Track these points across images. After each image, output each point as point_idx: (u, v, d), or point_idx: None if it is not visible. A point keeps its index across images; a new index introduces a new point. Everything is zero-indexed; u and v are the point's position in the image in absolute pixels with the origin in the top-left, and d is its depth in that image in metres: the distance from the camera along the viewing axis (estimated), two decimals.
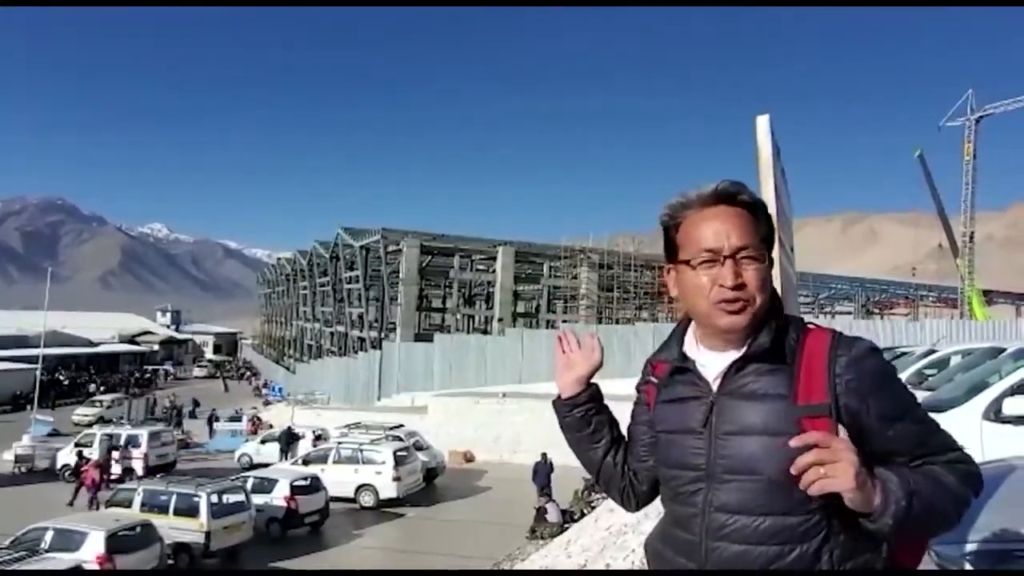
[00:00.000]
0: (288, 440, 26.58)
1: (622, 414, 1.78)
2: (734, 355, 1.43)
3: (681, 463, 1.46)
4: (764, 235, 1.45)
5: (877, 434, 1.36)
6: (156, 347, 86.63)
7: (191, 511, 15.76)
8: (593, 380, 1.73)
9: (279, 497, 17.88)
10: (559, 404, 1.73)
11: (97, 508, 18.72)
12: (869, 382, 1.37)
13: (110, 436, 25.58)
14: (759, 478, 1.35)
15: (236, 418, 35.82)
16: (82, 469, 21.70)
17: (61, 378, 56.71)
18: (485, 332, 48.23)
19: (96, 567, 13.12)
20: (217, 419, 35.69)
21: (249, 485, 17.99)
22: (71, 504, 20.21)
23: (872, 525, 1.27)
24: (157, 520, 15.29)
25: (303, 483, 18.58)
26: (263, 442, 27.76)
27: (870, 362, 1.39)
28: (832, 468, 1.22)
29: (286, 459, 24.71)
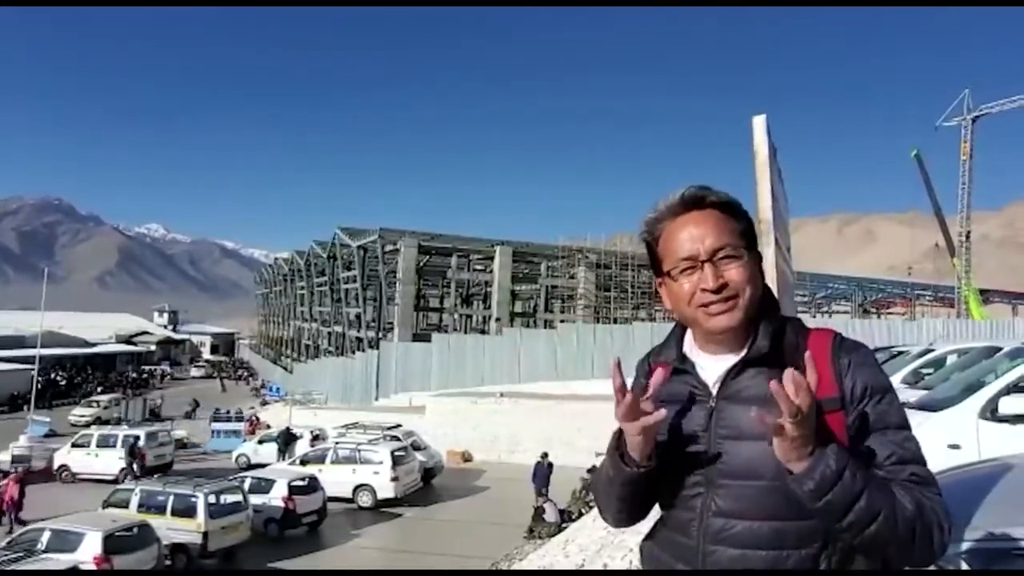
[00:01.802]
0: (286, 440, 26.57)
1: None
2: (733, 359, 1.42)
3: (679, 467, 1.45)
4: (743, 230, 1.44)
5: (858, 438, 1.34)
6: (153, 347, 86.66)
7: (188, 511, 15.77)
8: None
9: (277, 497, 17.88)
10: (633, 470, 1.42)
11: (12, 530, 16.99)
12: (868, 387, 1.36)
13: (136, 437, 25.86)
14: (759, 483, 1.34)
15: (240, 418, 35.77)
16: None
17: (58, 378, 56.62)
18: (483, 332, 48.28)
19: (93, 567, 13.12)
20: (220, 419, 35.54)
21: (247, 485, 17.99)
22: None
23: (794, 486, 1.25)
24: (154, 520, 15.30)
25: (301, 483, 18.57)
26: (260, 442, 27.74)
27: (872, 370, 1.38)
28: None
29: (284, 459, 24.71)
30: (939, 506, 1.29)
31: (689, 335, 1.51)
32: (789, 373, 1.22)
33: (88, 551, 13.32)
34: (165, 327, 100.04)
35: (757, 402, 1.36)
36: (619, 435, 1.43)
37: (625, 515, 1.55)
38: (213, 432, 33.38)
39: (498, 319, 45.29)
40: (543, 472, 19.23)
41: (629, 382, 1.65)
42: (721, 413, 1.41)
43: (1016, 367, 5.83)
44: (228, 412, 37.08)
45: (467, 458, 26.90)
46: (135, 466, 24.31)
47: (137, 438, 25.65)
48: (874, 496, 1.23)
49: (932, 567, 2.45)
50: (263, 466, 23.47)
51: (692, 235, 1.41)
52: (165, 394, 51.03)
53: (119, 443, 25.18)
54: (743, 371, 1.41)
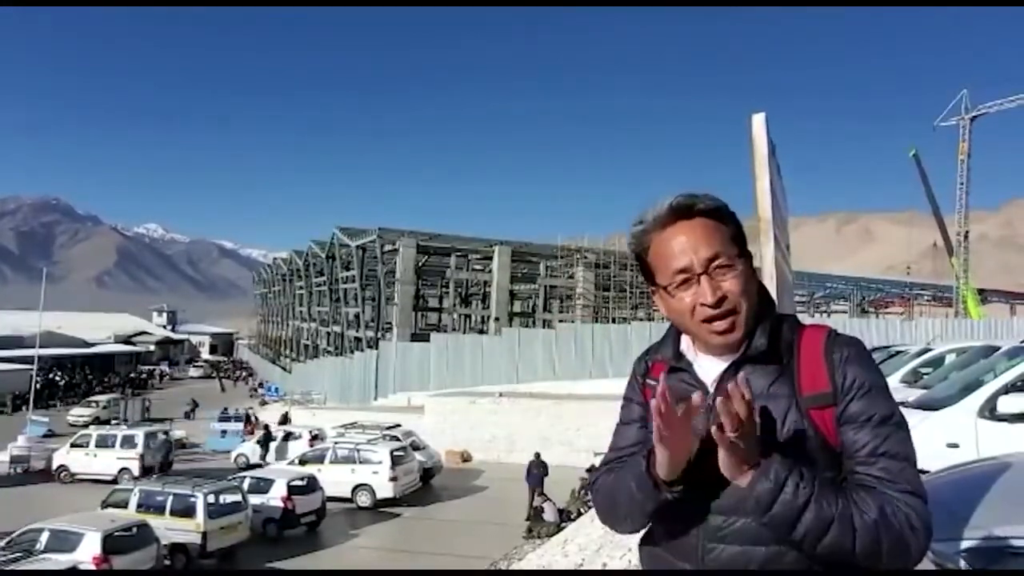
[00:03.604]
0: (265, 440, 26.65)
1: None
2: (730, 357, 1.42)
3: None
4: (733, 235, 1.43)
5: (848, 430, 1.34)
6: (152, 347, 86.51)
7: (187, 511, 15.77)
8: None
9: (276, 497, 17.88)
10: (668, 495, 1.37)
11: None
12: (856, 381, 1.35)
13: (166, 433, 26.94)
14: None
15: (238, 418, 35.72)
16: None
17: (56, 379, 56.54)
18: (482, 332, 48.29)
19: (92, 568, 13.11)
20: (227, 419, 35.53)
21: (246, 485, 18.00)
22: None
23: (746, 495, 1.27)
24: (154, 520, 15.29)
25: (300, 483, 18.57)
26: (259, 443, 27.76)
27: (864, 365, 1.38)
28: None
29: (265, 459, 25.14)
30: (910, 506, 1.26)
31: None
32: (731, 385, 1.23)
33: (87, 551, 13.32)
34: (164, 327, 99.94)
35: (754, 399, 1.37)
36: (647, 457, 1.38)
37: (644, 526, 1.54)
38: (221, 432, 33.31)
39: (497, 319, 45.31)
40: (537, 473, 19.19)
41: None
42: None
43: (1014, 366, 5.85)
44: (236, 411, 37.06)
45: (466, 458, 26.90)
46: (138, 466, 24.31)
47: (167, 433, 26.65)
48: (824, 506, 1.23)
49: (931, 566, 2.46)
50: (262, 466, 23.49)
51: (683, 246, 1.39)
52: (163, 394, 51.04)
53: (118, 443, 25.16)
54: (740, 368, 1.41)
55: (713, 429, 1.23)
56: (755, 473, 1.25)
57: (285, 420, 33.16)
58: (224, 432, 33.19)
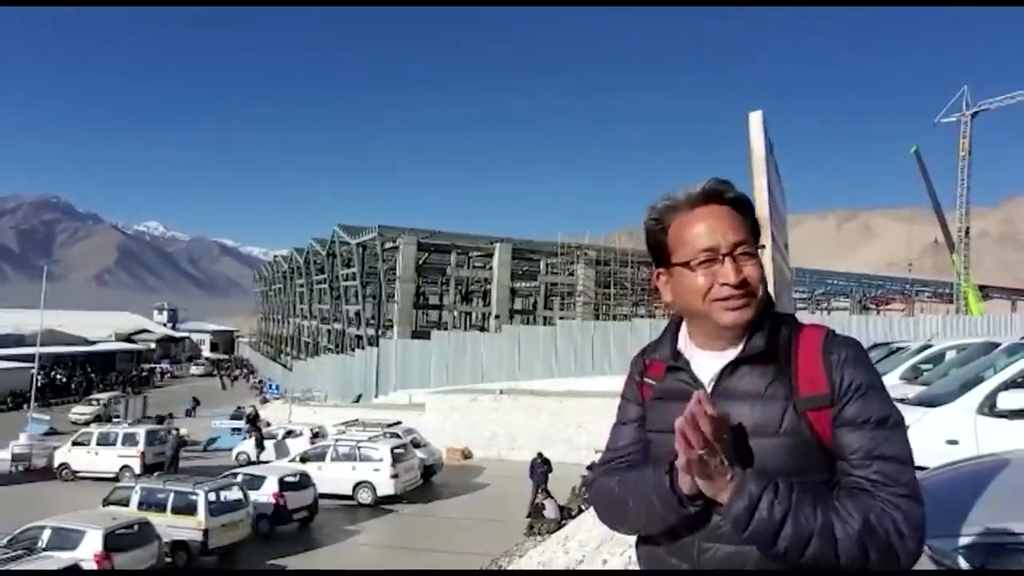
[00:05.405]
0: (259, 442, 26.85)
1: None
2: (729, 356, 1.42)
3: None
4: (752, 228, 1.46)
5: (844, 433, 1.34)
6: (153, 345, 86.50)
7: (189, 509, 15.80)
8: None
9: (268, 494, 17.93)
10: (683, 505, 1.36)
11: None
12: (854, 383, 1.36)
13: (176, 431, 27.49)
14: None
15: (238, 416, 35.71)
16: None
17: (58, 377, 56.60)
18: (482, 329, 48.29)
19: (94, 566, 13.13)
20: (240, 416, 35.49)
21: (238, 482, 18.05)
22: None
23: (721, 520, 1.30)
24: (155, 518, 15.31)
25: (292, 480, 18.64)
26: (256, 444, 27.81)
27: (861, 366, 1.38)
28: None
29: (260, 459, 25.31)
30: (900, 510, 1.26)
31: (684, 332, 1.51)
32: (693, 402, 1.25)
33: (88, 549, 13.33)
34: (164, 325, 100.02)
35: (751, 398, 1.38)
36: (669, 473, 1.37)
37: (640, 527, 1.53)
38: (231, 430, 33.29)
39: (497, 316, 45.35)
40: (540, 471, 19.20)
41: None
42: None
43: (1014, 363, 5.85)
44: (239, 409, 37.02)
45: (466, 455, 26.93)
46: (139, 464, 24.33)
47: (177, 431, 27.08)
48: (801, 520, 1.23)
49: (930, 564, 2.46)
50: (264, 463, 23.53)
51: (712, 228, 1.41)
52: (165, 392, 51.09)
53: (119, 441, 25.17)
54: (737, 368, 1.41)
55: (679, 448, 1.24)
56: (729, 492, 1.26)
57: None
58: (236, 430, 33.20)
